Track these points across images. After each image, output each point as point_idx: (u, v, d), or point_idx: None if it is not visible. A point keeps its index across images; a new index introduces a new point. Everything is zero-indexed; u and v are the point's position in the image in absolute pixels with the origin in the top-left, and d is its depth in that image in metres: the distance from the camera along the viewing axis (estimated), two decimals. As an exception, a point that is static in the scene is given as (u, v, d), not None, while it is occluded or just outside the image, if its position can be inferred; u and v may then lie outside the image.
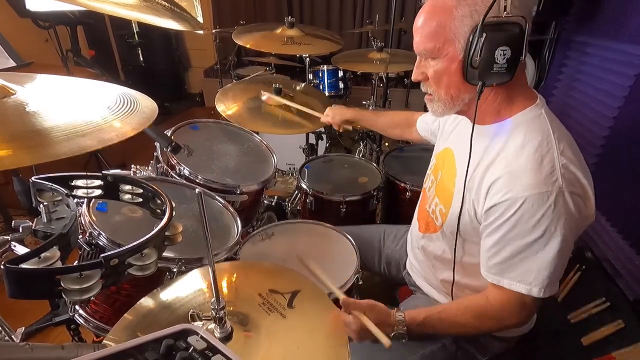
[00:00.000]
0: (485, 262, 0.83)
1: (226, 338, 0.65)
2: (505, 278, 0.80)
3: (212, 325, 0.65)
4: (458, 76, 0.77)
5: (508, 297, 0.80)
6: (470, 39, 0.72)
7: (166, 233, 0.61)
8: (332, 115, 1.47)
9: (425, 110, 1.28)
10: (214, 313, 0.63)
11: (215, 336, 0.64)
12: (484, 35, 0.70)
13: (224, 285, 0.79)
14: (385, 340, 0.78)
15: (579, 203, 0.74)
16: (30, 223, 0.60)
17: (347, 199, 1.53)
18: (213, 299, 0.61)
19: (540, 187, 0.72)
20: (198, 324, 0.65)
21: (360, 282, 1.07)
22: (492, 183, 0.78)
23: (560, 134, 0.78)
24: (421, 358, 0.95)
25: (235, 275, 0.83)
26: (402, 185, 1.57)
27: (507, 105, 0.81)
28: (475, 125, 0.87)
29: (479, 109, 0.82)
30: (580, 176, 0.75)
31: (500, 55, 0.71)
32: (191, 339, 0.43)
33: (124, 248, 0.53)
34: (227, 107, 1.54)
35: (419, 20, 0.79)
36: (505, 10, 0.70)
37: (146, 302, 0.74)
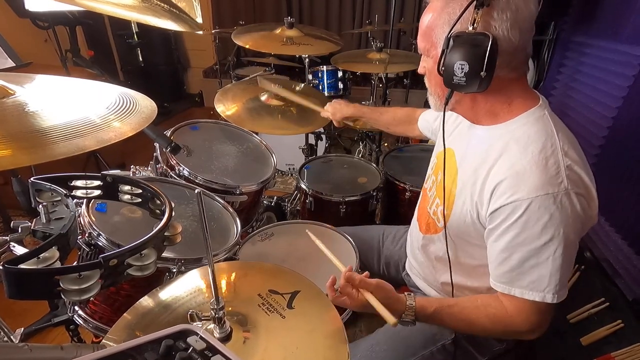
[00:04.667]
0: (494, 270, 0.81)
1: (225, 338, 0.65)
2: (516, 287, 0.77)
3: (211, 326, 0.65)
4: (440, 78, 0.78)
5: (522, 305, 0.78)
6: (442, 47, 0.75)
7: (165, 233, 0.61)
8: (333, 111, 1.46)
9: (426, 107, 1.29)
10: (213, 313, 0.62)
11: (214, 336, 0.64)
12: (449, 46, 0.73)
13: (223, 285, 0.79)
14: (391, 320, 0.75)
15: (584, 204, 0.74)
16: (29, 223, 0.60)
17: (346, 199, 1.53)
18: (212, 299, 0.61)
19: (547, 188, 0.72)
20: (197, 324, 0.65)
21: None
22: (496, 185, 0.77)
23: (564, 135, 0.78)
24: (421, 359, 0.95)
25: (234, 275, 0.83)
26: (402, 185, 1.57)
27: (505, 108, 0.81)
28: (474, 125, 0.89)
29: (472, 111, 0.86)
30: (584, 177, 0.75)
31: (459, 68, 0.73)
32: (190, 340, 0.43)
33: (123, 248, 0.53)
34: (226, 107, 1.54)
35: (422, 17, 0.82)
36: (473, 24, 0.71)
37: (145, 301, 0.74)
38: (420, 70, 0.89)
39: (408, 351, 0.95)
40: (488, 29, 0.71)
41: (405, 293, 0.85)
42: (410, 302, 0.82)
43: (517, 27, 0.72)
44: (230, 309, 0.71)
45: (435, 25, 0.78)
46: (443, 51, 0.74)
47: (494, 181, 0.78)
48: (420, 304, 0.83)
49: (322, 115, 1.50)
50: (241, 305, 0.73)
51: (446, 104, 0.82)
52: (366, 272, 0.84)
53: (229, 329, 0.66)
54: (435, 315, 0.83)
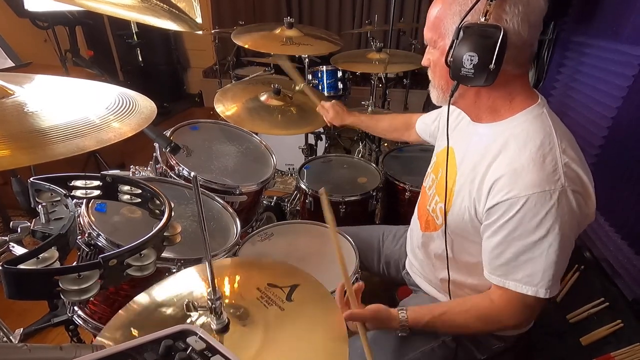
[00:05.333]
0: (489, 263, 0.82)
1: (223, 330, 0.64)
2: (510, 280, 0.79)
3: (208, 318, 0.64)
4: (446, 70, 0.78)
5: (513, 299, 0.80)
6: (452, 38, 0.74)
7: (165, 233, 0.61)
8: (332, 115, 1.46)
9: (424, 110, 1.28)
10: (209, 303, 0.62)
11: (212, 327, 0.64)
12: (459, 37, 0.73)
13: (222, 279, 0.79)
14: None
15: (581, 201, 0.74)
16: (29, 223, 0.60)
17: (346, 199, 1.53)
18: (209, 289, 0.61)
19: (543, 185, 0.72)
20: (194, 314, 0.64)
21: (360, 283, 1.07)
22: (494, 182, 0.78)
23: (562, 133, 0.78)
24: (421, 355, 0.95)
25: (232, 270, 0.83)
26: (402, 185, 1.57)
27: (507, 105, 0.82)
28: (474, 123, 0.89)
29: (474, 107, 0.86)
30: (582, 174, 0.75)
31: (468, 60, 0.72)
32: (190, 340, 0.43)
33: (122, 249, 0.53)
34: (226, 107, 1.54)
35: (430, 8, 0.82)
36: (485, 16, 0.70)
37: (141, 299, 0.74)
38: (424, 62, 0.88)
39: (409, 346, 0.95)
40: (499, 21, 0.71)
41: (398, 308, 0.87)
42: (402, 317, 0.85)
43: (527, 21, 0.72)
44: (228, 302, 0.71)
45: (445, 15, 0.77)
46: (452, 42, 0.74)
47: (492, 178, 0.78)
48: (413, 317, 0.86)
49: (319, 111, 1.50)
50: (240, 299, 0.72)
51: (451, 96, 0.81)
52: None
53: (226, 320, 0.65)
54: (428, 325, 0.86)
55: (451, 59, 0.75)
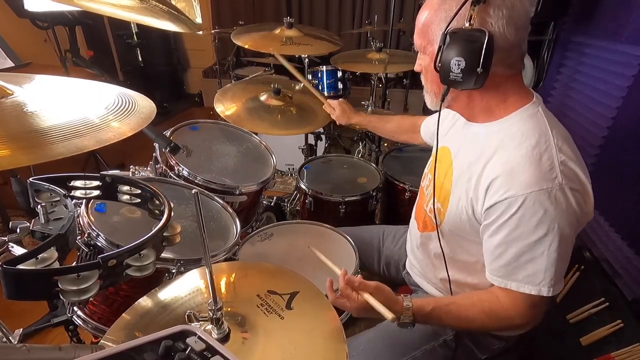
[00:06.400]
0: (490, 264, 0.82)
1: (224, 339, 0.65)
2: (512, 281, 0.79)
3: (209, 326, 0.64)
4: (436, 75, 0.79)
5: (517, 299, 0.80)
6: (439, 44, 0.75)
7: (164, 234, 0.61)
8: (340, 113, 1.48)
9: (424, 111, 1.28)
10: (211, 314, 0.62)
11: (213, 337, 0.64)
12: (445, 43, 0.74)
13: (222, 285, 0.79)
14: (389, 315, 0.76)
15: (579, 199, 0.74)
16: (28, 224, 0.60)
17: (346, 200, 1.53)
18: (210, 300, 0.61)
19: (541, 184, 0.72)
20: (195, 324, 0.65)
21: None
22: (491, 181, 0.78)
23: (557, 131, 0.78)
24: (422, 354, 0.95)
25: (233, 275, 0.83)
26: (401, 185, 1.57)
27: (501, 105, 0.82)
28: (469, 123, 0.90)
29: (468, 108, 0.86)
30: (579, 173, 0.75)
31: (455, 64, 0.73)
32: (190, 340, 0.43)
33: (122, 249, 0.53)
34: (226, 107, 1.54)
35: (418, 15, 0.83)
36: (469, 21, 0.71)
37: (144, 302, 0.74)
38: (416, 68, 0.89)
39: (410, 345, 0.96)
40: (484, 25, 0.72)
41: (402, 295, 0.85)
42: (407, 303, 0.83)
43: (513, 24, 0.72)
44: (229, 309, 0.71)
45: (432, 22, 0.78)
46: (440, 47, 0.75)
47: (488, 178, 0.79)
48: (418, 304, 0.84)
49: (325, 109, 1.52)
50: (240, 306, 0.73)
51: (442, 100, 0.82)
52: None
53: (227, 330, 0.65)
54: (432, 314, 0.84)
55: (439, 64, 0.76)
